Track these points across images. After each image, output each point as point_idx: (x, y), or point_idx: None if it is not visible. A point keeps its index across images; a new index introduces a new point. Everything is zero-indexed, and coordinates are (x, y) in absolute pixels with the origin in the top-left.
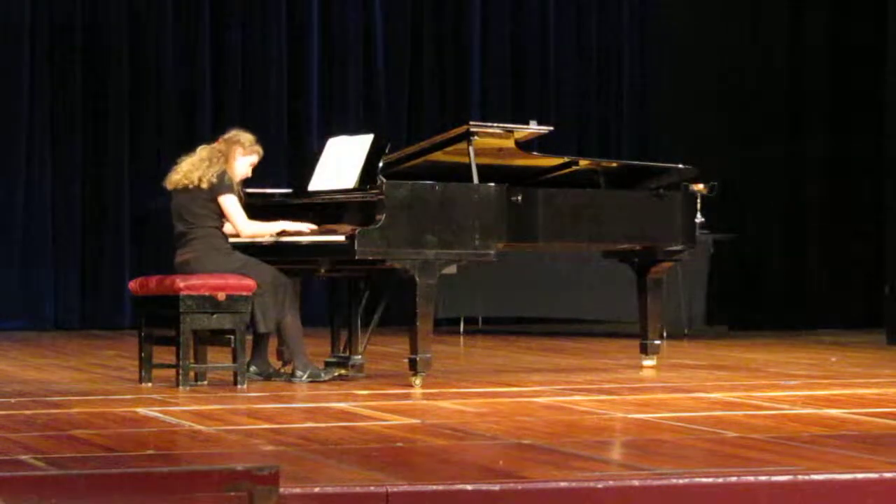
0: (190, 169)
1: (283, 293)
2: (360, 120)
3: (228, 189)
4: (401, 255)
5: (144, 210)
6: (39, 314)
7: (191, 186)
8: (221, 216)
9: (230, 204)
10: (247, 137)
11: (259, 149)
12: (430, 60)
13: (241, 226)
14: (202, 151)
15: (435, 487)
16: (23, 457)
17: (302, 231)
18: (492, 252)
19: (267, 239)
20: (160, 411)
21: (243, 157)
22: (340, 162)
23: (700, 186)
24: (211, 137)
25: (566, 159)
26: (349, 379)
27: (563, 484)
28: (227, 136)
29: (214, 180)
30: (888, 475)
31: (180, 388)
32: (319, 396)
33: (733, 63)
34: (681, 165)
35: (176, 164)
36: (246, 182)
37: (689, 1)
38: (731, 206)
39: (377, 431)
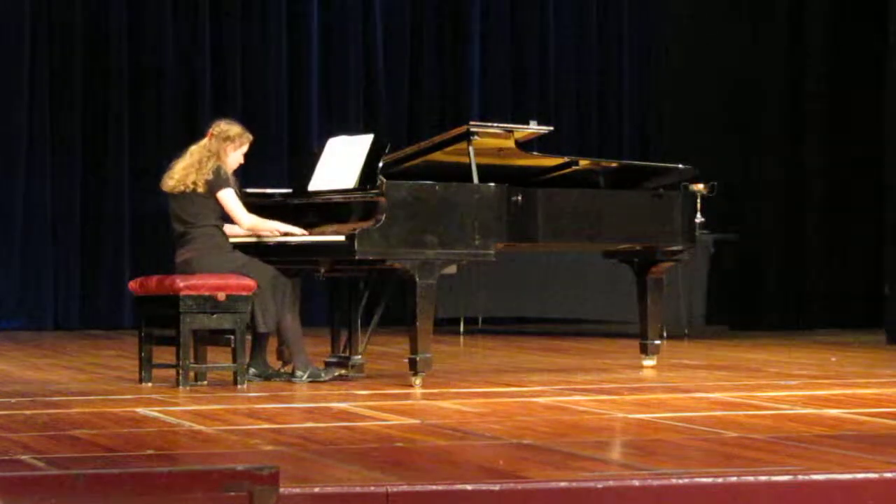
0: (184, 174)
1: (282, 293)
2: (360, 120)
3: (225, 184)
4: (401, 255)
5: (144, 210)
6: (39, 314)
7: (187, 191)
8: (221, 214)
9: (229, 198)
10: (235, 131)
11: (249, 136)
12: (430, 60)
13: (241, 218)
14: (194, 153)
15: (435, 487)
16: (23, 457)
17: (293, 233)
18: (492, 252)
19: (255, 238)
20: (160, 411)
21: (235, 152)
22: (340, 162)
23: (700, 186)
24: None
25: (566, 159)
26: (349, 379)
27: (563, 484)
28: (214, 131)
29: (210, 177)
30: (888, 475)
31: (180, 388)
32: (319, 396)
33: (733, 63)
34: (681, 165)
35: (169, 167)
36: (246, 182)
37: (690, 1)
38: (731, 206)
39: (377, 431)
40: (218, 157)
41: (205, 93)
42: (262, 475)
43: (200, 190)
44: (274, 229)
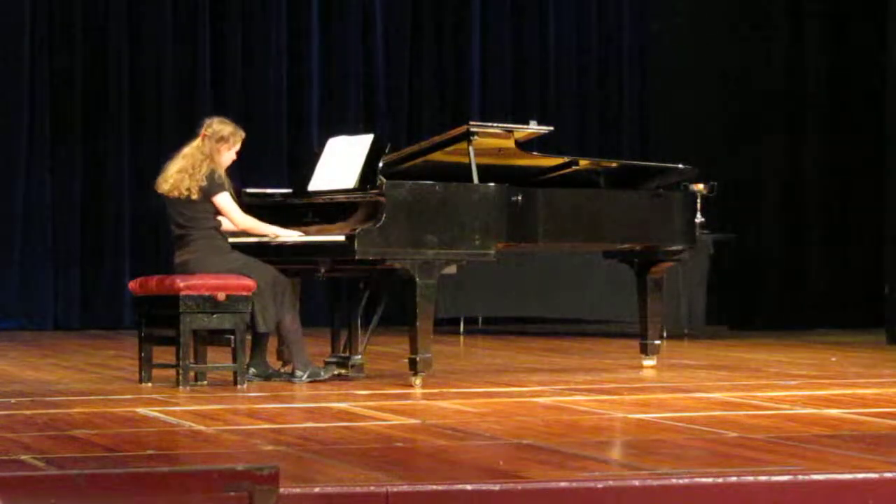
0: (178, 178)
1: (281, 293)
2: (360, 120)
3: (220, 187)
4: (401, 255)
5: (144, 210)
6: (39, 314)
7: (182, 198)
8: (217, 215)
9: (225, 201)
10: (228, 130)
11: (241, 134)
12: (430, 60)
13: (237, 218)
14: (186, 156)
15: (435, 487)
16: (23, 457)
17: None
18: (492, 252)
19: (254, 239)
20: (160, 411)
21: (228, 152)
22: (340, 162)
23: (700, 186)
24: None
25: (566, 159)
26: (349, 379)
27: (563, 484)
28: (206, 132)
29: (204, 183)
30: (888, 475)
31: (180, 388)
32: (319, 396)
33: (733, 63)
34: (681, 165)
35: (163, 169)
36: (246, 182)
37: (689, 1)
38: (731, 206)
39: (377, 431)
40: (211, 159)
41: (204, 93)
42: (262, 475)
43: (195, 196)
44: (270, 234)
